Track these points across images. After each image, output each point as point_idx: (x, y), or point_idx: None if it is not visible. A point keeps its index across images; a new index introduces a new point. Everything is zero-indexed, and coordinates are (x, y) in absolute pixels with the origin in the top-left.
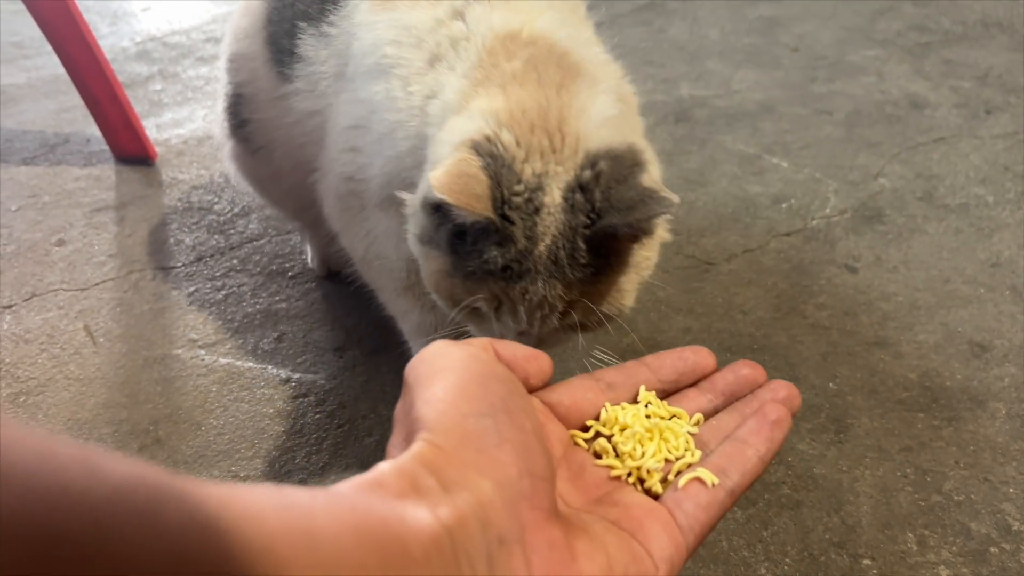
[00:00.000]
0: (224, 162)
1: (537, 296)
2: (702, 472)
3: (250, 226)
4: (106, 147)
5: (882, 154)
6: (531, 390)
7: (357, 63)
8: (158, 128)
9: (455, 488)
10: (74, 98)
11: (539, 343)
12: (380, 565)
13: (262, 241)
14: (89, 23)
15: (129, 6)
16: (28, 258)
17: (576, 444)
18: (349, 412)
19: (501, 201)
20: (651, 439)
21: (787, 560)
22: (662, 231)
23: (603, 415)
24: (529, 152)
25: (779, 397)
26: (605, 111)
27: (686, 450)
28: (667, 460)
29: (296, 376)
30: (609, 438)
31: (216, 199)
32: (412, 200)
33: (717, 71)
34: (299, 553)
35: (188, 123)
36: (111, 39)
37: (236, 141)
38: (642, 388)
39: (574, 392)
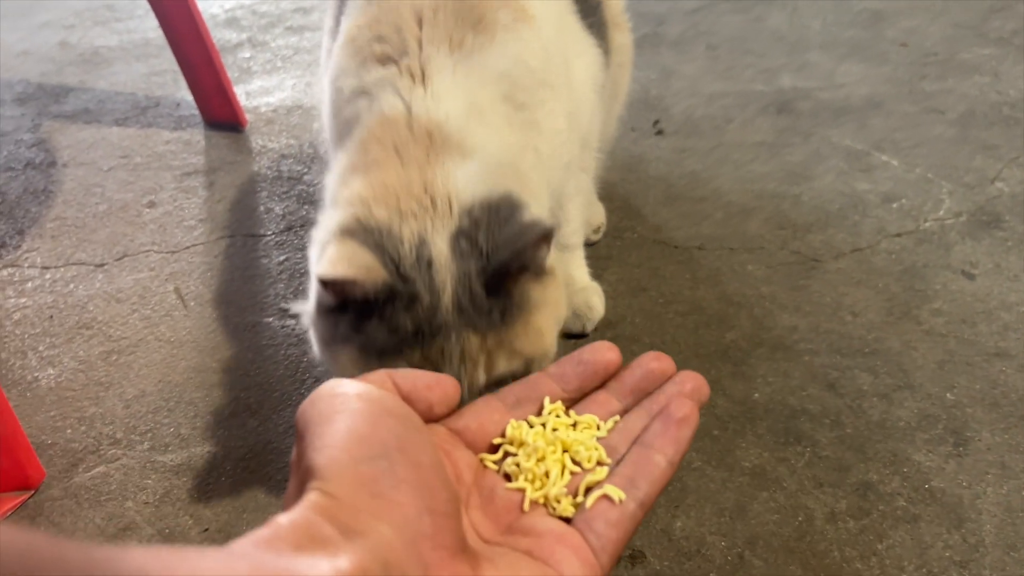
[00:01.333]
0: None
1: (456, 351)
2: (609, 488)
3: None
4: (196, 111)
5: (1000, 157)
6: (437, 418)
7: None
8: (247, 95)
9: (353, 535)
10: (164, 62)
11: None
12: None
13: None
14: None
15: None
16: (120, 218)
17: (486, 467)
18: None
19: (393, 264)
20: (554, 453)
21: None
22: (554, 267)
23: (508, 431)
24: (403, 216)
25: (685, 390)
26: (474, 170)
27: (597, 463)
28: (574, 474)
29: None
30: (515, 457)
31: (305, 170)
32: (307, 310)
33: (820, 63)
34: None
35: (277, 92)
36: (201, 5)
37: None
38: (546, 400)
39: (480, 415)
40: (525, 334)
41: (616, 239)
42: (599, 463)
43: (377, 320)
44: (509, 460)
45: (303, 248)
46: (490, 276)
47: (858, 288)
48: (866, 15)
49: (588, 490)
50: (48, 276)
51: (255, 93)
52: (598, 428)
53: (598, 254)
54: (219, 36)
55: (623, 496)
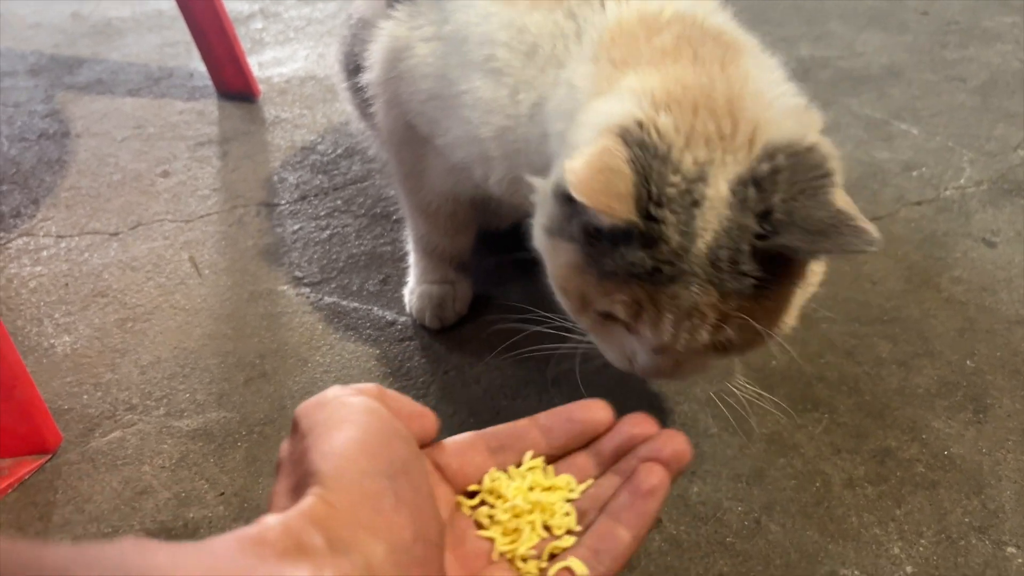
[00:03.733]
0: (343, 103)
1: (688, 303)
2: (573, 562)
3: (353, 167)
4: (209, 82)
5: (1021, 125)
6: None
7: (458, 39)
8: (259, 66)
9: (345, 549)
10: (177, 33)
11: (676, 366)
12: None
13: (366, 183)
14: None
15: None
16: (134, 187)
17: (461, 511)
18: (456, 359)
19: (648, 199)
20: (530, 513)
21: (922, 541)
22: None
23: (486, 482)
24: (691, 138)
25: (663, 455)
26: (786, 98)
27: (567, 531)
28: (543, 538)
29: (402, 319)
30: (492, 506)
31: (319, 139)
32: (542, 186)
33: (839, 32)
34: None
35: (290, 62)
36: None
37: (350, 74)
38: (528, 454)
39: (463, 455)
40: (774, 309)
41: None
42: (568, 531)
43: (610, 243)
44: (484, 509)
45: (317, 217)
46: (768, 247)
47: (877, 257)
48: None
49: (552, 556)
50: (63, 245)
51: (268, 64)
52: (571, 491)
53: None
54: (231, 7)
55: (586, 572)
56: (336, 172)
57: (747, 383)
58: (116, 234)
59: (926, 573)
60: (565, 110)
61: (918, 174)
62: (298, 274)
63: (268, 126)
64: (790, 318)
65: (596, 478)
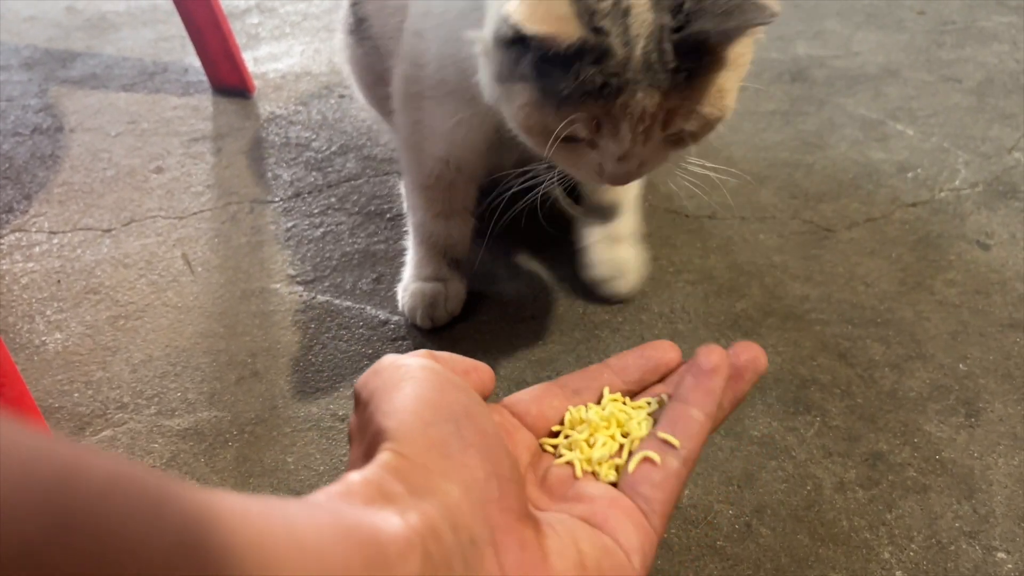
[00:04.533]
0: (341, 63)
1: (638, 109)
2: (661, 434)
3: (348, 165)
4: (203, 78)
5: (1017, 127)
6: None
7: None
8: (255, 62)
9: (423, 494)
10: (171, 28)
11: (640, 166)
12: (362, 564)
13: (360, 181)
14: None
15: None
16: (127, 183)
17: (544, 450)
18: None
19: (589, 13)
20: (607, 428)
21: (913, 546)
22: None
23: (567, 418)
24: None
25: (740, 361)
26: None
27: (637, 424)
28: (622, 446)
29: (395, 319)
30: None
31: (314, 136)
32: (483, 38)
33: (836, 31)
34: (285, 552)
35: (286, 58)
36: None
37: (354, 39)
38: (606, 390)
39: (540, 401)
40: (708, 95)
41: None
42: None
43: (561, 69)
44: (564, 440)
45: (311, 214)
46: (684, 38)
47: (871, 258)
48: None
49: (631, 455)
50: (56, 241)
51: (263, 59)
52: (648, 405)
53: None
54: (227, 2)
55: (675, 441)
56: (330, 169)
57: (703, 162)
58: (109, 230)
59: None
60: None
61: (913, 175)
62: (291, 272)
63: (263, 122)
64: (730, 100)
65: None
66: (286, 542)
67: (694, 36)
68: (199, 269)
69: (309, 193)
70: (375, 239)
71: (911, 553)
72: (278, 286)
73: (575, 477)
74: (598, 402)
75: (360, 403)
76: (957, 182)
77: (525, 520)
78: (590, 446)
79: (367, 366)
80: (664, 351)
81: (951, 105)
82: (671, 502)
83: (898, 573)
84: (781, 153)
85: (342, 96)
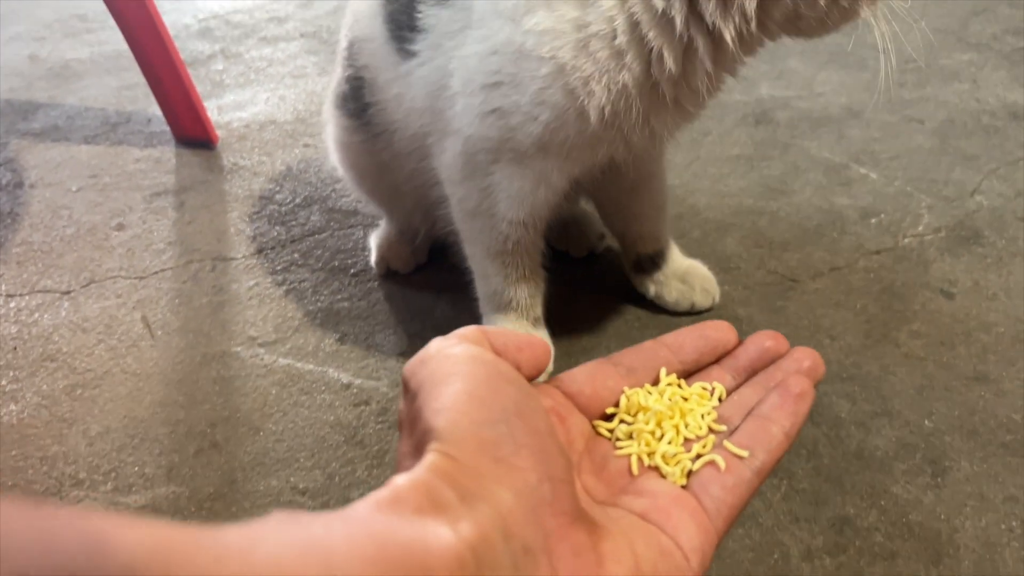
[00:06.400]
0: (331, 146)
1: None
2: (728, 445)
3: (312, 218)
4: (167, 128)
5: (979, 169)
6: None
7: (487, 7)
8: (219, 110)
9: (474, 501)
10: (136, 75)
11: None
12: None
13: (324, 234)
14: None
15: None
16: (87, 242)
17: (599, 435)
18: None
19: None
20: (671, 418)
21: None
22: None
23: (623, 401)
24: None
25: (803, 368)
26: None
27: (708, 429)
28: (687, 439)
29: (358, 382)
30: (630, 424)
31: (278, 188)
32: None
33: (799, 71)
34: None
35: (250, 106)
36: (173, 15)
37: (356, 126)
38: (663, 371)
39: (594, 380)
40: None
41: (590, 259)
42: (711, 430)
43: None
44: (623, 427)
45: (274, 271)
46: None
47: (836, 310)
48: None
49: (699, 457)
50: (13, 305)
51: (228, 107)
52: (711, 395)
53: (575, 274)
54: (192, 48)
55: (745, 453)
56: (294, 223)
57: None
58: (68, 292)
59: None
60: None
61: (876, 221)
62: (252, 333)
63: (226, 174)
64: None
65: (731, 391)
66: (316, 567)
67: None
68: (159, 332)
69: (272, 248)
70: (339, 296)
71: None
72: (239, 349)
73: (632, 473)
74: (654, 383)
75: (408, 393)
76: (920, 228)
77: (579, 523)
78: (655, 438)
79: (328, 434)
80: (722, 331)
81: (914, 147)
82: (739, 507)
83: None
84: (746, 200)
85: (307, 145)
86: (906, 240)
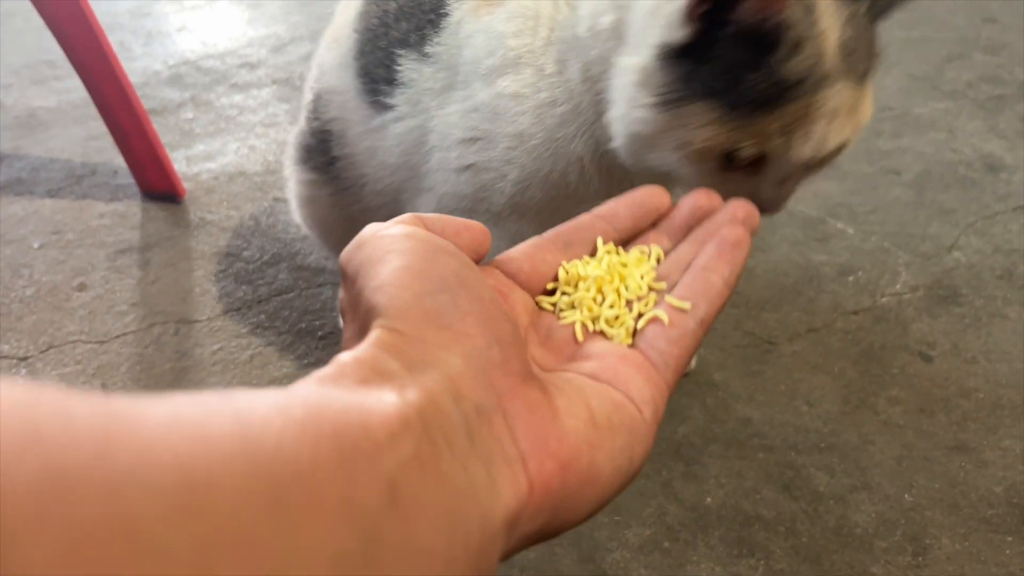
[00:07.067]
0: (294, 203)
1: (837, 104)
2: (669, 299)
3: (280, 276)
4: (133, 180)
5: (956, 223)
6: None
7: (471, 69)
8: (188, 161)
9: (422, 367)
10: (103, 125)
11: (790, 192)
12: (335, 457)
13: (292, 294)
14: (123, 43)
15: (164, 26)
16: (48, 303)
17: (542, 309)
18: None
19: None
20: (611, 283)
21: None
22: None
23: (562, 275)
24: None
25: (737, 218)
26: None
27: (648, 288)
28: (629, 301)
29: None
30: (571, 295)
31: (245, 244)
32: (637, 64)
33: None
34: (230, 456)
35: (220, 156)
36: (144, 61)
37: (323, 180)
38: (599, 240)
39: (532, 258)
40: (870, 97)
41: None
42: (651, 289)
43: (752, 67)
44: (565, 298)
45: (239, 335)
46: (876, 17)
47: (814, 374)
48: None
49: (640, 316)
50: None
51: (196, 158)
52: (649, 258)
53: None
54: (161, 95)
55: (687, 306)
56: (261, 282)
57: None
58: (25, 359)
59: None
60: (611, 13)
61: (854, 279)
62: None
63: (193, 229)
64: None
65: (669, 252)
66: (232, 443)
67: (885, 14)
68: None
69: (238, 310)
70: (305, 361)
71: None
72: None
73: (577, 340)
74: (592, 254)
75: (347, 279)
76: (898, 286)
77: (531, 382)
78: (595, 303)
79: None
80: (655, 196)
81: (891, 200)
82: (685, 358)
83: None
84: None
85: (276, 199)
86: (884, 299)
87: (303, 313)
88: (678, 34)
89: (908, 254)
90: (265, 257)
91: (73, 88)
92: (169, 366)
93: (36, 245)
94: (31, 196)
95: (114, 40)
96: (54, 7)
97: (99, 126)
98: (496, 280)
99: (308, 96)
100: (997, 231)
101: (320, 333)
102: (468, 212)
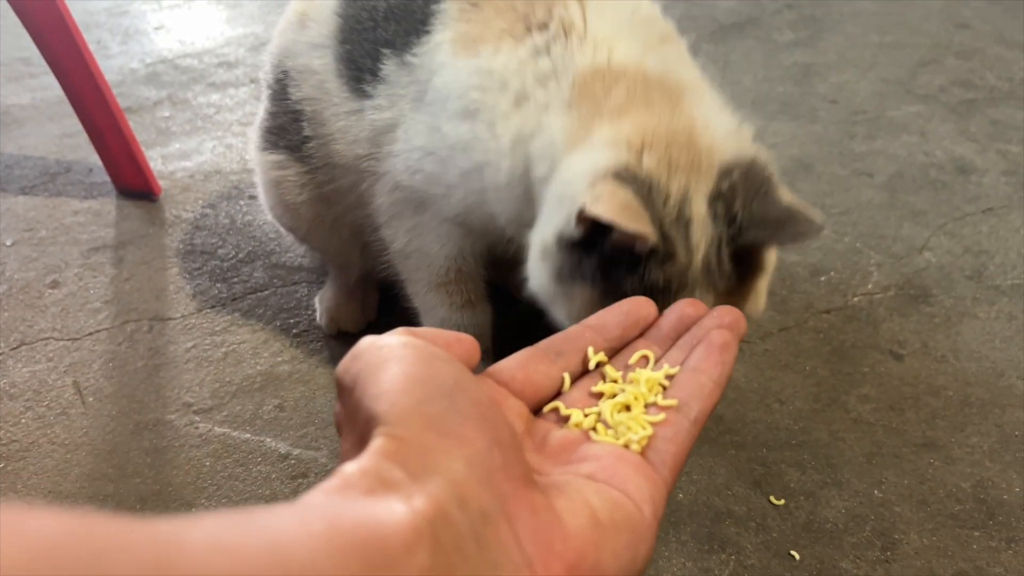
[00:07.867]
0: (261, 190)
1: None
2: (659, 400)
3: (255, 274)
4: (108, 178)
5: (927, 224)
6: None
7: (439, 99)
8: (164, 159)
9: (425, 475)
10: (78, 122)
11: None
12: (361, 566)
13: (267, 292)
14: (100, 41)
15: (142, 24)
16: (20, 300)
17: (537, 417)
18: None
19: (658, 220)
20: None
21: None
22: None
23: (572, 418)
24: (671, 169)
25: (724, 323)
26: (726, 123)
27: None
28: (627, 406)
29: (296, 452)
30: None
31: (220, 243)
32: (543, 241)
33: (751, 121)
34: (267, 571)
35: (196, 155)
36: (121, 59)
37: (292, 159)
38: (590, 349)
39: (525, 367)
40: (749, 296)
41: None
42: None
43: (627, 270)
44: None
45: (213, 332)
46: (739, 247)
47: (785, 372)
48: (797, 69)
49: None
50: None
51: (173, 156)
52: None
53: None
54: (138, 93)
55: (675, 402)
56: (236, 279)
57: None
58: None
59: None
60: (548, 156)
61: (826, 279)
62: (188, 399)
63: (167, 227)
64: (763, 302)
65: (659, 359)
66: (269, 561)
67: (748, 244)
68: (91, 399)
69: (212, 308)
70: (280, 359)
71: None
72: (173, 417)
73: (574, 444)
74: (583, 364)
75: (344, 390)
76: (870, 286)
77: (532, 485)
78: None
79: None
80: (642, 306)
81: (863, 201)
82: (682, 456)
83: None
84: None
85: (252, 197)
86: (855, 299)
87: (278, 311)
88: (572, 230)
89: (880, 255)
90: (240, 255)
91: (48, 86)
92: (142, 363)
93: (9, 242)
94: (4, 193)
95: (91, 38)
96: (29, 4)
97: (74, 124)
98: (490, 388)
99: (271, 77)
100: (967, 232)
101: (295, 331)
102: (406, 200)
